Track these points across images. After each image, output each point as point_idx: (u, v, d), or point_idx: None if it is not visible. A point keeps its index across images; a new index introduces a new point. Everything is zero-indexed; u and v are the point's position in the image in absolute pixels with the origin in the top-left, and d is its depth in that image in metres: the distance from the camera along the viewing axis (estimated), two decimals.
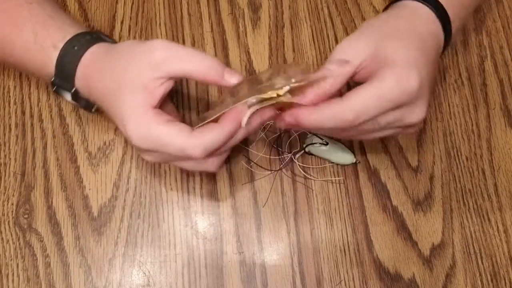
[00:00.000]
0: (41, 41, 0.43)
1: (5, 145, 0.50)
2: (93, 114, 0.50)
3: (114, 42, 0.46)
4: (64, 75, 0.43)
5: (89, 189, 0.49)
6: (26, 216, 0.48)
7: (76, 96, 0.44)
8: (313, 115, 0.39)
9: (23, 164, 0.49)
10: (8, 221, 0.48)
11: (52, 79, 0.44)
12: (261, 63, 0.53)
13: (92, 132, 0.50)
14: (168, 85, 0.40)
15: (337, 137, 0.49)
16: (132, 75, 0.40)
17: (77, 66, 0.42)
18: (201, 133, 0.39)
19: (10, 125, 0.50)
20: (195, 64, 0.39)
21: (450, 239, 0.48)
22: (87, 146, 0.50)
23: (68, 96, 0.44)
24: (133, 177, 0.49)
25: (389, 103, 0.38)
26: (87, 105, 0.46)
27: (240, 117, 0.39)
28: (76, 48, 0.43)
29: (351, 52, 0.40)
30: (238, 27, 0.54)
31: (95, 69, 0.42)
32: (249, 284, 0.47)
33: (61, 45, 0.43)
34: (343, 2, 0.55)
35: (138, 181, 0.49)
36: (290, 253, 0.48)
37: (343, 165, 0.50)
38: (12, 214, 0.48)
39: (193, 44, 0.53)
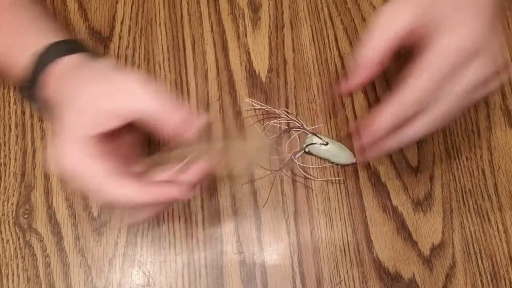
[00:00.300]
0: (20, 45, 0.42)
1: (5, 145, 0.50)
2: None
3: (94, 55, 0.44)
4: (33, 79, 0.41)
5: None
6: (26, 216, 0.48)
7: (34, 98, 0.42)
8: (386, 108, 0.37)
9: (23, 164, 0.49)
10: (8, 221, 0.48)
11: (23, 84, 0.42)
12: (261, 63, 0.53)
13: None
14: (116, 122, 0.36)
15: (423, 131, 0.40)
16: (88, 99, 0.37)
17: (45, 70, 0.41)
18: (123, 181, 0.36)
19: (10, 125, 0.50)
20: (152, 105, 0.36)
21: (450, 239, 0.48)
22: None
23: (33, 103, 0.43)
24: None
25: (453, 58, 0.36)
26: (39, 107, 0.44)
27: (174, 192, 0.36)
28: (52, 55, 0.41)
29: (396, 17, 0.38)
30: (238, 27, 0.54)
31: (65, 76, 0.40)
32: (249, 284, 0.47)
33: (38, 51, 0.41)
34: (343, 2, 0.55)
35: None
36: (290, 253, 0.48)
37: (343, 165, 0.50)
38: (12, 214, 0.48)
39: (193, 44, 0.53)
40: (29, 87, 0.42)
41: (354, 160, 0.50)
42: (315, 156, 0.50)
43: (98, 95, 0.37)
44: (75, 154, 0.36)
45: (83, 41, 0.45)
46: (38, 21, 0.44)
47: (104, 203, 0.37)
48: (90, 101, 0.36)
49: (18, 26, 0.44)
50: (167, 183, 0.37)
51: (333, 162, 0.50)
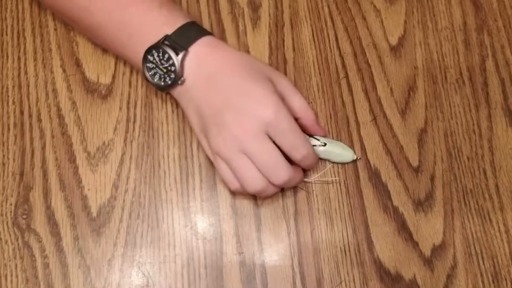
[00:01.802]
0: (165, 12, 0.46)
1: (3, 145, 0.50)
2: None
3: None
4: (183, 37, 0.45)
5: (88, 190, 0.49)
6: (24, 216, 0.48)
7: (183, 59, 0.44)
8: None
9: (22, 164, 0.49)
10: (7, 222, 0.48)
11: (169, 34, 0.44)
12: None
13: (91, 132, 0.50)
14: None
15: None
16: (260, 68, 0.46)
17: (200, 37, 0.45)
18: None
19: (8, 125, 0.50)
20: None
21: (451, 239, 0.48)
22: (86, 146, 0.50)
23: (173, 56, 0.44)
24: (132, 177, 0.49)
25: None
26: (173, 77, 0.45)
27: None
28: (192, 32, 0.45)
29: None
30: (238, 26, 0.54)
31: (226, 47, 0.46)
32: (249, 285, 0.47)
33: (185, 20, 0.45)
34: (344, 1, 0.55)
35: (138, 181, 0.49)
36: (290, 253, 0.47)
37: (344, 164, 0.50)
38: (11, 214, 0.48)
39: None
40: (180, 40, 0.45)
41: (354, 157, 0.49)
42: None
43: (261, 80, 0.44)
44: (266, 139, 0.43)
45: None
46: (164, 3, 0.47)
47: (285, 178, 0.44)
48: (259, 87, 0.44)
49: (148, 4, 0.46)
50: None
51: (333, 162, 0.50)
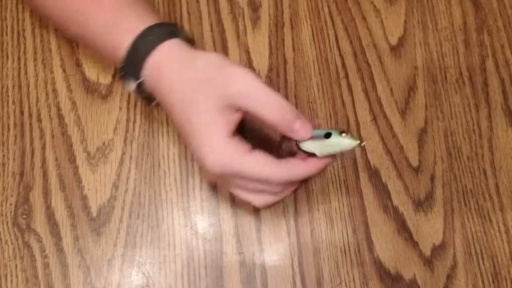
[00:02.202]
0: (119, 24, 0.42)
1: (3, 145, 0.49)
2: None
3: (189, 39, 0.44)
4: (134, 62, 0.41)
5: (88, 190, 0.49)
6: (24, 216, 0.48)
7: (140, 86, 0.42)
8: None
9: (22, 164, 0.49)
10: (7, 222, 0.48)
11: (122, 64, 0.42)
12: (261, 63, 0.52)
13: (91, 132, 0.50)
14: (239, 115, 0.39)
15: None
16: (208, 95, 0.38)
17: (149, 54, 0.41)
18: (288, 165, 0.40)
19: (8, 125, 0.50)
20: (270, 112, 0.38)
21: (451, 239, 0.48)
22: (86, 146, 0.50)
23: (132, 85, 0.42)
24: (132, 177, 0.49)
25: None
26: (149, 99, 0.43)
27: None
28: (151, 38, 0.41)
29: None
30: (238, 26, 0.54)
31: (170, 66, 0.40)
32: (249, 285, 0.47)
33: (137, 32, 0.41)
34: (344, 1, 0.55)
35: (138, 181, 0.49)
36: (290, 253, 0.47)
37: (349, 152, 0.47)
38: (11, 214, 0.48)
39: (192, 44, 0.53)
40: (131, 68, 0.42)
41: (357, 142, 0.40)
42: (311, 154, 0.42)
43: (215, 93, 0.38)
44: (237, 156, 0.38)
45: (177, 25, 0.45)
46: (139, 3, 0.44)
47: (282, 183, 0.40)
48: (211, 100, 0.38)
49: (120, 3, 0.43)
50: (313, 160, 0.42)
51: (336, 153, 0.41)
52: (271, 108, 0.38)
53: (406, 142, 0.51)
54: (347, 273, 0.47)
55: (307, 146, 0.41)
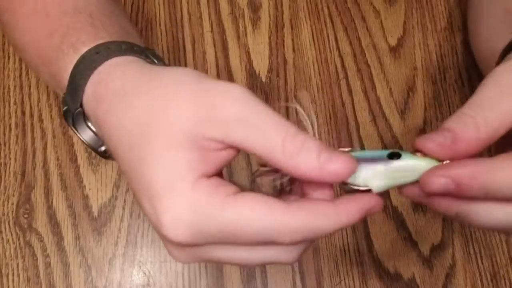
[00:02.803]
0: (63, 40, 0.32)
1: (5, 145, 0.50)
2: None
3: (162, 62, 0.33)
4: (73, 90, 0.30)
5: (89, 189, 0.49)
6: (26, 216, 0.48)
7: (81, 123, 0.31)
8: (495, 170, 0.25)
9: (23, 164, 0.49)
10: (8, 221, 0.48)
11: (63, 95, 0.32)
12: (261, 63, 0.53)
13: None
14: (231, 154, 0.26)
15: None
16: (174, 121, 0.25)
17: (89, 77, 0.29)
18: (305, 209, 0.25)
19: (10, 125, 0.50)
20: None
21: (450, 239, 0.48)
22: None
23: (82, 129, 0.31)
24: None
25: None
26: (96, 142, 0.32)
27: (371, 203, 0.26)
28: (98, 54, 0.30)
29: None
30: (238, 27, 0.54)
31: (114, 89, 0.28)
32: (249, 284, 0.47)
33: (84, 49, 0.30)
34: (343, 2, 0.55)
35: None
36: None
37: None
38: (12, 214, 0.48)
39: (193, 44, 0.53)
40: (71, 100, 0.31)
41: (435, 163, 0.27)
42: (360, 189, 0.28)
43: (194, 116, 0.25)
44: (215, 208, 0.24)
45: (154, 50, 0.35)
46: (104, 16, 0.34)
47: (296, 241, 0.25)
48: (182, 124, 0.25)
49: (72, 14, 0.33)
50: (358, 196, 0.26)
51: (401, 184, 0.28)
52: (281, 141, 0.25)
53: (405, 142, 0.51)
54: (347, 272, 0.47)
55: (359, 177, 0.26)
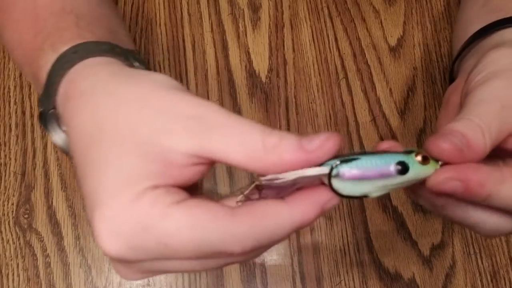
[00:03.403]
0: (46, 40, 0.31)
1: (5, 145, 0.50)
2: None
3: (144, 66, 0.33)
4: (47, 90, 0.29)
5: None
6: (26, 216, 0.48)
7: (53, 125, 0.30)
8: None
9: (23, 164, 0.49)
10: (8, 221, 0.48)
11: (39, 96, 0.31)
12: (261, 63, 0.53)
13: None
14: (200, 171, 0.24)
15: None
16: (145, 129, 0.23)
17: (62, 77, 0.28)
18: (254, 213, 0.23)
19: (10, 125, 0.50)
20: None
21: (450, 239, 0.48)
22: None
23: (53, 132, 0.30)
24: None
25: None
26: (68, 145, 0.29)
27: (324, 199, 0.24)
28: (75, 53, 0.29)
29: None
30: (238, 27, 0.54)
31: (82, 89, 0.27)
32: (249, 284, 0.47)
33: (63, 48, 0.30)
34: (343, 2, 0.55)
35: None
36: (290, 253, 0.48)
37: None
38: (12, 214, 0.48)
39: (193, 44, 0.53)
40: (46, 101, 0.30)
41: (437, 166, 0.26)
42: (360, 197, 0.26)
43: (156, 124, 0.23)
44: (154, 218, 0.22)
45: (136, 52, 0.34)
46: (94, 15, 0.34)
47: (246, 253, 0.24)
48: (148, 131, 0.23)
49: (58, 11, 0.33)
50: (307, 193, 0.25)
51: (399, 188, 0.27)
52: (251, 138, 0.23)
53: (405, 142, 0.51)
54: (347, 272, 0.47)
55: (360, 189, 0.25)
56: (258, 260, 0.47)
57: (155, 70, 0.52)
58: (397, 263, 0.48)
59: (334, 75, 0.53)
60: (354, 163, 0.24)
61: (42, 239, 0.47)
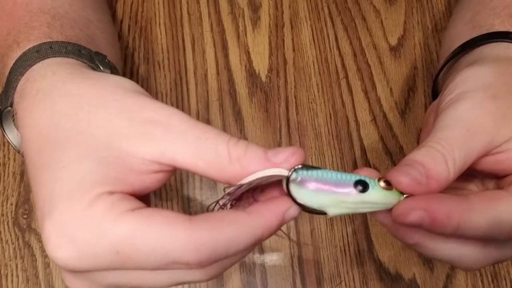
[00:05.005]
0: (15, 37, 0.30)
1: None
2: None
3: (115, 73, 0.33)
4: (6, 87, 0.29)
5: None
6: (25, 216, 0.48)
7: (9, 123, 0.29)
8: (476, 211, 0.25)
9: (22, 164, 0.49)
10: (7, 222, 0.48)
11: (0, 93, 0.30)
12: (261, 63, 0.53)
13: None
14: (161, 177, 0.24)
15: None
16: (103, 134, 0.23)
17: (22, 75, 0.27)
18: (211, 220, 0.22)
19: None
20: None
21: None
22: None
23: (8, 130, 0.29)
24: None
25: None
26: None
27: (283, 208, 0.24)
28: (38, 52, 0.28)
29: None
30: (238, 27, 0.54)
31: (38, 88, 0.26)
32: (249, 284, 0.47)
33: (27, 46, 0.29)
34: (343, 2, 0.55)
35: None
36: (290, 253, 0.48)
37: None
38: (11, 214, 0.48)
39: (192, 44, 0.53)
40: (4, 99, 0.29)
41: (401, 198, 0.26)
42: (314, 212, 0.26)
43: (115, 129, 0.23)
44: (107, 225, 0.21)
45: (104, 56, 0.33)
46: (74, 14, 0.33)
47: (205, 261, 0.22)
48: (107, 135, 0.23)
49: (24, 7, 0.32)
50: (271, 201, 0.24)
51: (360, 213, 0.29)
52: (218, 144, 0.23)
53: (405, 142, 0.51)
54: (347, 272, 0.47)
55: (317, 201, 0.24)
56: (258, 260, 0.47)
57: (154, 70, 0.52)
58: (398, 264, 0.47)
59: (334, 74, 0.53)
60: (314, 171, 0.24)
61: (41, 239, 0.47)
